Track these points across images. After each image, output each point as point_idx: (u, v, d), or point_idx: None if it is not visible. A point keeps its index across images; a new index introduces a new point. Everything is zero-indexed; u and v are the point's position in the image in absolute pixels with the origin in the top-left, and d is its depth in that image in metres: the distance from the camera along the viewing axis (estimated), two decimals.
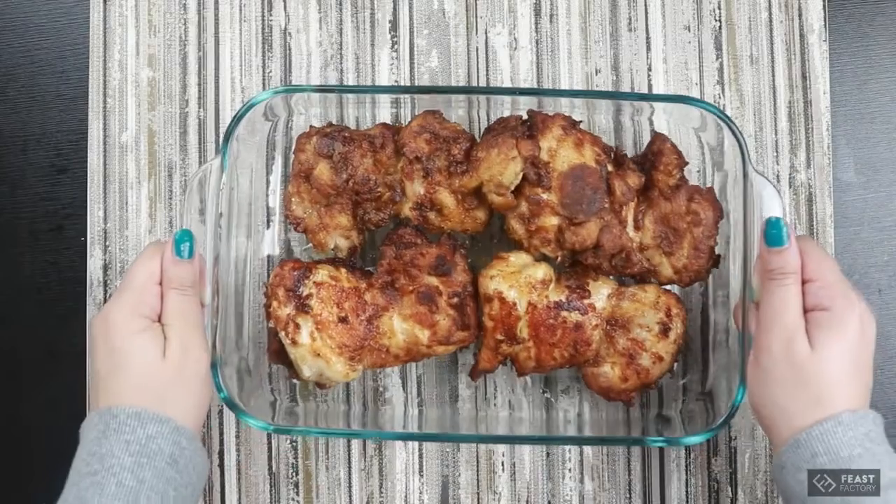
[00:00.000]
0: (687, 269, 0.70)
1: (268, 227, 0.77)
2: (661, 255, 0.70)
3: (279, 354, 0.71)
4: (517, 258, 0.71)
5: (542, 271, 0.70)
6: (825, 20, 0.79)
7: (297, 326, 0.68)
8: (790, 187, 0.78)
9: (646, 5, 0.79)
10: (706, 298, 0.77)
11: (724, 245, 0.72)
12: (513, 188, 0.68)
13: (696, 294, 0.77)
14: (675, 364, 0.73)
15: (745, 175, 0.66)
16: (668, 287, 0.73)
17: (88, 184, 0.78)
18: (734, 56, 0.79)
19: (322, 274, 0.69)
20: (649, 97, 0.76)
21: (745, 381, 0.65)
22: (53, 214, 0.80)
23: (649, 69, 0.79)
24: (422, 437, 0.76)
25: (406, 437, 0.76)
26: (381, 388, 0.78)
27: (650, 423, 0.75)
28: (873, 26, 0.81)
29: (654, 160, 0.70)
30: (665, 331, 0.70)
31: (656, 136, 0.71)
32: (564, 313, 0.70)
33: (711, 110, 0.68)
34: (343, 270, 0.71)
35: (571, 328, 0.70)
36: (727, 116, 0.68)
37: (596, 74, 0.79)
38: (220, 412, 0.77)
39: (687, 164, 0.71)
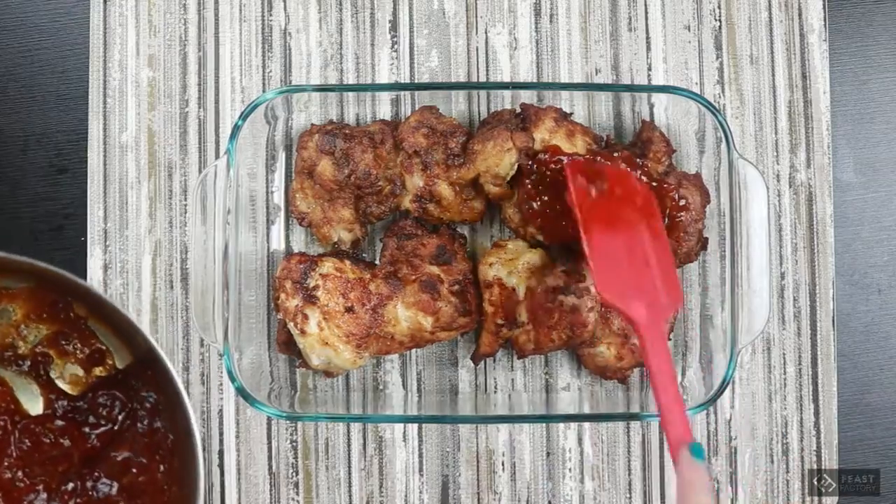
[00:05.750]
0: (677, 252, 0.72)
1: (272, 223, 0.77)
2: None
3: (288, 345, 0.73)
4: (515, 245, 0.73)
5: (538, 257, 0.72)
6: (825, 20, 0.79)
7: (306, 317, 0.69)
8: (790, 187, 0.78)
9: (646, 5, 0.79)
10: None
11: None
12: (508, 178, 0.71)
13: (687, 275, 0.77)
14: (668, 342, 0.74)
15: (730, 162, 0.69)
16: None
17: (88, 184, 0.78)
18: (734, 56, 0.79)
19: (328, 266, 0.71)
20: (635, 88, 0.78)
21: (734, 358, 0.68)
22: (53, 214, 0.80)
23: (649, 69, 0.79)
24: (424, 420, 0.76)
25: (409, 420, 0.76)
26: (381, 386, 0.78)
27: (648, 401, 0.76)
28: (873, 26, 0.81)
29: (644, 148, 0.73)
30: None
31: (645, 125, 0.74)
32: (561, 297, 0.71)
33: (695, 98, 0.70)
34: (347, 262, 0.73)
35: (568, 311, 0.71)
36: (710, 103, 0.70)
37: (596, 74, 0.79)
38: (220, 412, 0.77)
39: (675, 151, 0.74)
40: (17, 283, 0.68)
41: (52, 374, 0.70)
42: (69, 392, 0.70)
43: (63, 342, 0.70)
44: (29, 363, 0.70)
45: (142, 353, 0.67)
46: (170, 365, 0.63)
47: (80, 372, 0.70)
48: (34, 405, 0.70)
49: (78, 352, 0.70)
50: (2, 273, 0.67)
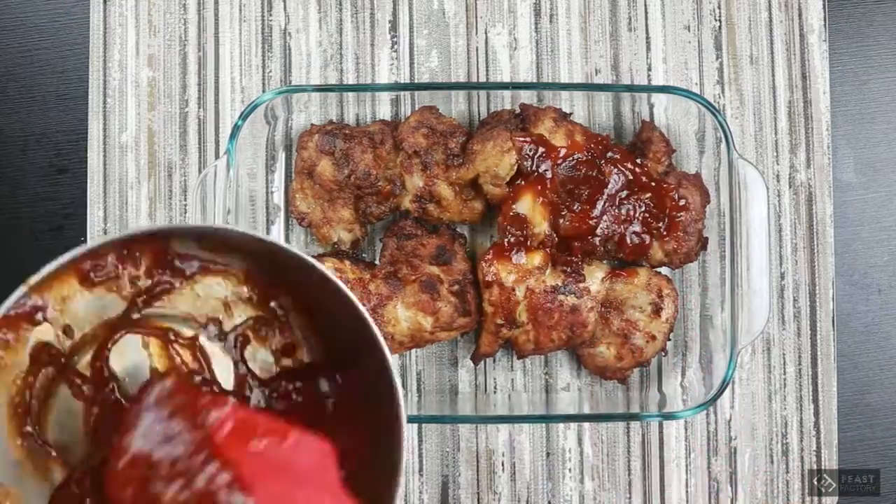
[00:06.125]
0: (677, 252, 0.72)
1: (272, 223, 0.77)
2: (651, 238, 0.73)
3: None
4: None
5: (538, 257, 0.71)
6: (825, 20, 0.79)
7: None
8: (790, 187, 0.78)
9: (646, 5, 0.79)
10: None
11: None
12: (508, 179, 0.70)
13: (687, 275, 0.77)
14: (668, 342, 0.74)
15: (729, 162, 0.69)
16: (659, 269, 0.75)
17: (88, 184, 0.78)
18: (734, 56, 0.79)
19: (327, 266, 0.71)
20: (635, 88, 0.78)
21: (734, 358, 0.68)
22: (53, 214, 0.80)
23: (649, 69, 0.79)
24: (424, 420, 0.76)
25: (409, 420, 0.76)
26: None
27: (648, 401, 0.76)
28: (873, 26, 0.81)
29: (643, 148, 0.73)
30: (657, 311, 0.72)
31: (644, 125, 0.74)
32: (561, 297, 0.71)
33: (695, 98, 0.70)
34: (347, 262, 0.73)
35: (568, 311, 0.71)
36: (709, 103, 0.70)
37: (596, 74, 0.79)
38: None
39: (674, 151, 0.74)
40: (240, 262, 0.67)
41: (246, 356, 0.70)
42: (258, 375, 0.70)
43: (263, 328, 0.70)
44: (231, 340, 0.70)
45: (366, 364, 0.64)
46: (399, 389, 0.58)
47: (270, 359, 0.70)
48: (225, 380, 0.70)
49: (274, 341, 0.70)
50: (228, 250, 0.66)
